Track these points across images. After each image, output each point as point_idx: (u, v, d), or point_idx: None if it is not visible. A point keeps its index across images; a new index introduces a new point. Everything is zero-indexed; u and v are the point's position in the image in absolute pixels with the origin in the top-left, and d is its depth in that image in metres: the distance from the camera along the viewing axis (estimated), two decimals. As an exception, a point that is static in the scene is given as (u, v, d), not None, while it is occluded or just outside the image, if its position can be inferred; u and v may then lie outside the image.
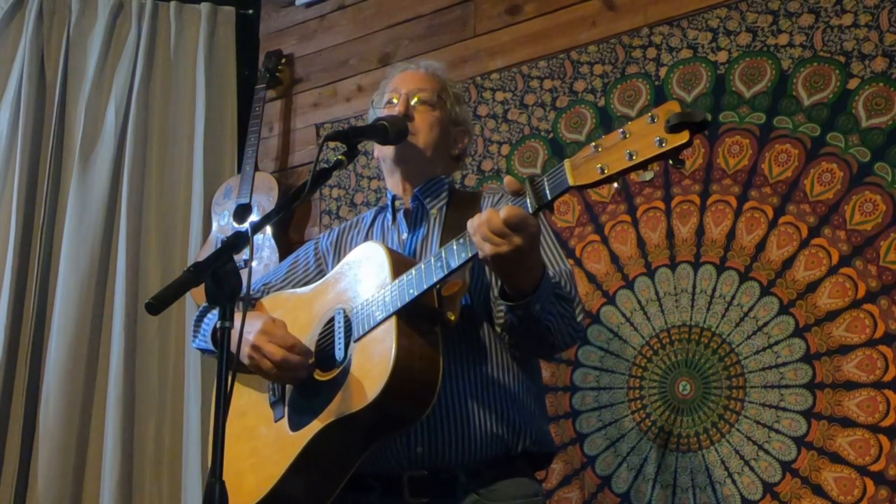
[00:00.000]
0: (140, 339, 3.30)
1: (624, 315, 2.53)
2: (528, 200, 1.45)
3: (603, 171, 1.33)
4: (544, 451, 1.79)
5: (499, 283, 1.64)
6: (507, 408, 1.72)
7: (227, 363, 1.37)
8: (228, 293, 1.42)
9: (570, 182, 1.37)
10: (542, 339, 1.64)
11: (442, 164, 1.94)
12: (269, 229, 3.18)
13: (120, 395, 3.18)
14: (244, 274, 1.42)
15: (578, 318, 1.71)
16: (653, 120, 1.28)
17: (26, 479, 3.17)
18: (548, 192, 1.41)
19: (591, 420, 2.53)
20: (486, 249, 1.47)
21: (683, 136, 1.25)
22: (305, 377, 1.73)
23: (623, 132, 1.31)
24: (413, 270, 1.60)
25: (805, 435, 2.22)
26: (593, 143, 1.35)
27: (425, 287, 1.56)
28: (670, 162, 1.29)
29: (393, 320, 1.59)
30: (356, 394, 1.59)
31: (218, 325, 1.40)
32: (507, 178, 1.49)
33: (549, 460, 1.84)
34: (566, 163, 1.38)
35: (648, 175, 1.34)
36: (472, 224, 1.48)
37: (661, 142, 1.27)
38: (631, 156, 1.29)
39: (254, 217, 3.18)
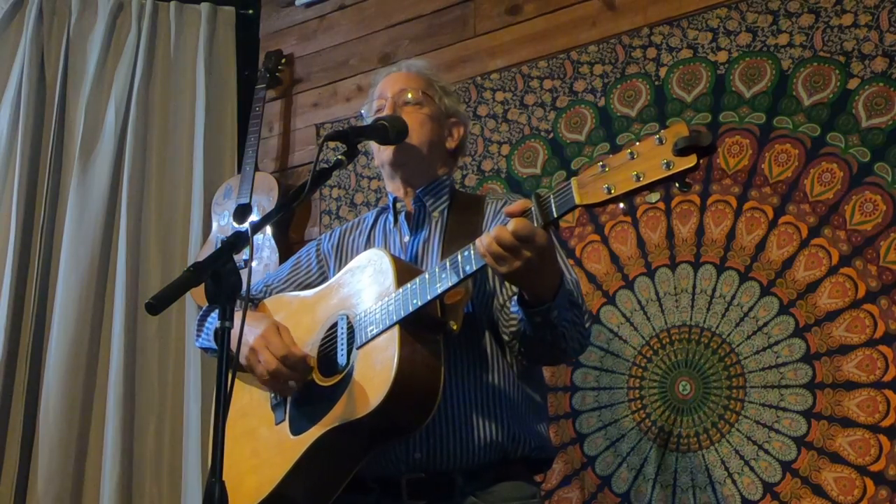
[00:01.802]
0: (140, 339, 3.30)
1: (624, 315, 2.53)
2: (534, 218, 1.45)
3: (610, 192, 1.34)
4: (543, 457, 1.80)
5: (505, 292, 1.67)
6: (507, 416, 1.72)
7: (227, 363, 1.37)
8: (228, 293, 1.42)
9: (577, 201, 1.38)
10: (555, 346, 1.64)
11: (440, 161, 1.94)
12: (269, 229, 3.18)
13: (120, 395, 3.18)
14: (244, 274, 1.43)
15: (587, 325, 1.72)
16: (661, 142, 1.28)
17: (26, 479, 3.17)
18: (554, 209, 1.43)
19: (591, 420, 2.53)
20: (501, 269, 1.48)
21: (691, 160, 1.26)
22: (299, 388, 1.74)
23: (631, 153, 1.32)
24: (417, 280, 1.60)
25: (805, 435, 2.22)
26: (600, 163, 1.36)
27: (429, 298, 1.57)
28: (676, 185, 1.30)
29: (396, 329, 1.59)
30: (358, 401, 1.60)
31: (219, 325, 1.41)
32: (506, 210, 1.49)
33: (549, 465, 1.85)
34: (573, 181, 1.39)
35: (654, 197, 1.35)
36: (483, 243, 1.49)
37: (668, 164, 1.27)
38: (638, 177, 1.30)
39: (254, 217, 3.18)
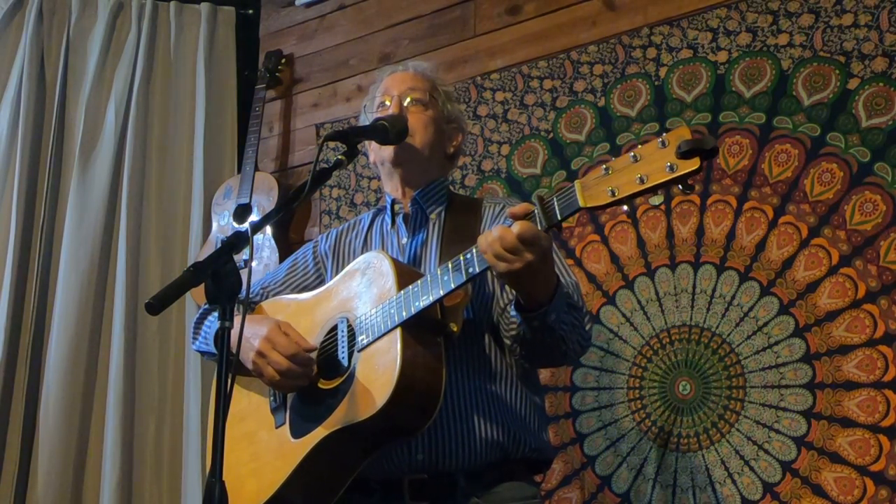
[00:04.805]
0: (140, 339, 3.30)
1: (624, 315, 2.53)
2: (537, 220, 1.46)
3: (613, 195, 1.34)
4: (543, 457, 1.80)
5: (505, 296, 1.67)
6: (508, 418, 1.73)
7: (227, 364, 1.37)
8: (228, 293, 1.42)
9: (581, 203, 1.38)
10: (555, 349, 1.65)
11: (438, 164, 1.94)
12: (269, 229, 3.18)
13: (120, 395, 3.19)
14: (244, 274, 1.43)
15: (587, 327, 1.72)
16: (664, 145, 1.29)
17: (26, 479, 3.17)
18: (558, 212, 1.43)
19: (590, 420, 2.53)
20: (500, 267, 1.48)
21: (694, 163, 1.26)
22: (307, 385, 1.74)
23: (634, 156, 1.32)
24: (419, 282, 1.61)
25: (805, 435, 2.22)
26: (604, 165, 1.36)
27: (431, 301, 1.58)
28: (679, 187, 1.30)
29: (397, 331, 1.60)
30: (361, 403, 1.60)
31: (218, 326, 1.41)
32: (509, 211, 1.50)
33: (548, 465, 1.86)
34: (577, 184, 1.39)
35: (657, 199, 1.35)
36: (485, 241, 1.49)
37: (671, 167, 1.28)
38: (642, 180, 1.31)
39: (254, 217, 3.18)
